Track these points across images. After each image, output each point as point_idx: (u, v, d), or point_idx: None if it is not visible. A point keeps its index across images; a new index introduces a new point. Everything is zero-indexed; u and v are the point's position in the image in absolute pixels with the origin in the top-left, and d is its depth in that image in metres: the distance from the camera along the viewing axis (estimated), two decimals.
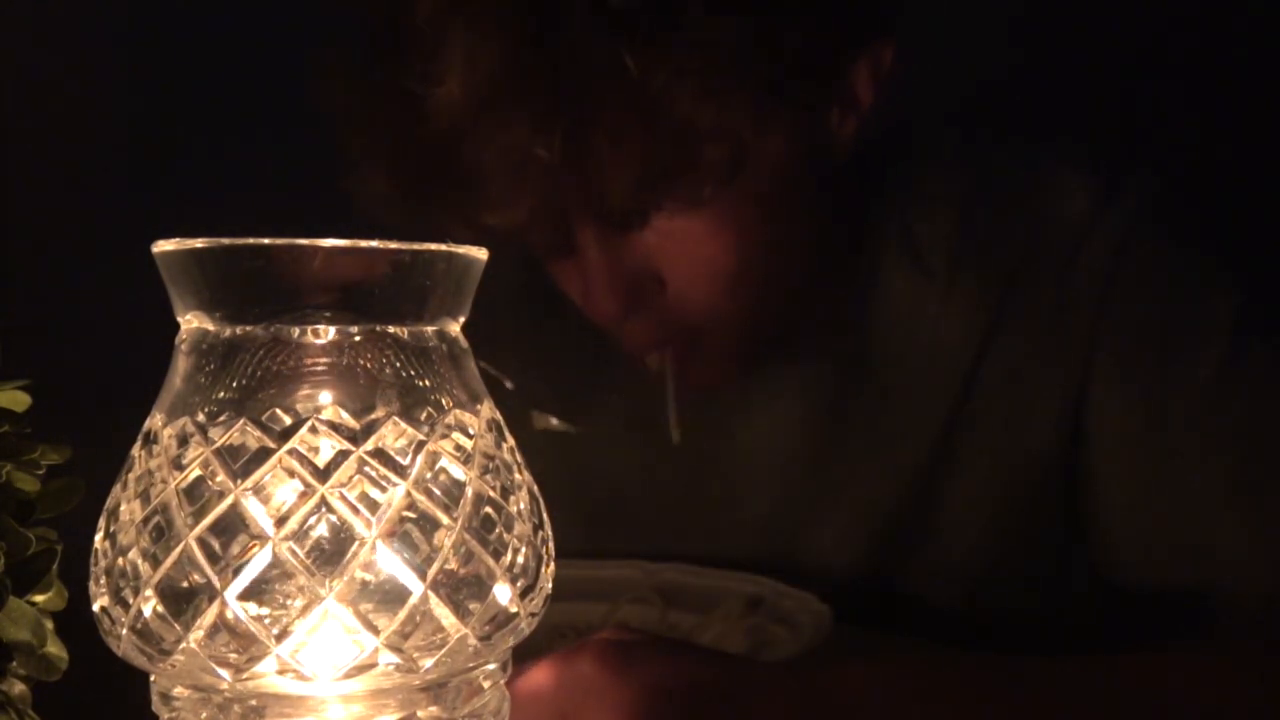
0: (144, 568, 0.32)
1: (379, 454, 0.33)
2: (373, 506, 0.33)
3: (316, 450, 0.33)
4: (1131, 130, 0.99)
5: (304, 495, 0.32)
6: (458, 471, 0.34)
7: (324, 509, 0.32)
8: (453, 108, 0.60)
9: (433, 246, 0.34)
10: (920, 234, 0.75)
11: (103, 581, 0.33)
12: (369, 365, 0.34)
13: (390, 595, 0.33)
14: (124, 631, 0.33)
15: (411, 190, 0.66)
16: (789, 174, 0.66)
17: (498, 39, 0.58)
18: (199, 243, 0.32)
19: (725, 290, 0.67)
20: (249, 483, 0.32)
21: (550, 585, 0.37)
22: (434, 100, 0.60)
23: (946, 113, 0.82)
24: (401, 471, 0.33)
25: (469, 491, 0.34)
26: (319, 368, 0.34)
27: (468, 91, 0.59)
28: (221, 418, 0.33)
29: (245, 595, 0.32)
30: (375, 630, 0.32)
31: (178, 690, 0.34)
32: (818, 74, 0.65)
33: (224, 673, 0.32)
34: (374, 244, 0.33)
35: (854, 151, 0.70)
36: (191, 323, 0.34)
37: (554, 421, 0.76)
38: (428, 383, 0.35)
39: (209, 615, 0.32)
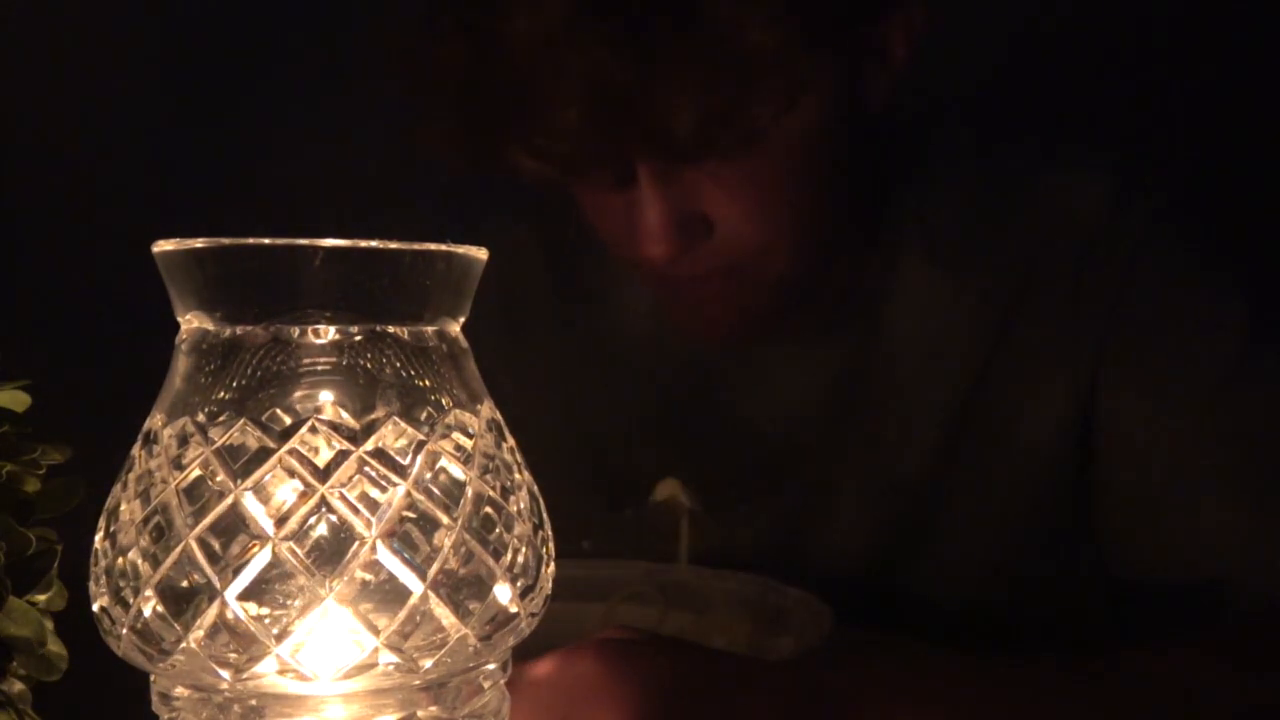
0: (144, 568, 0.32)
1: (379, 454, 0.33)
2: (373, 506, 0.33)
3: (316, 450, 0.33)
4: (1146, 132, 0.99)
5: (304, 495, 0.32)
6: (458, 471, 0.34)
7: (324, 509, 0.32)
8: (521, 39, 0.60)
9: (432, 247, 0.34)
10: (935, 228, 0.75)
11: (103, 581, 0.33)
12: (369, 365, 0.34)
13: (390, 595, 0.33)
14: (124, 631, 0.33)
15: (478, 125, 0.67)
16: (830, 124, 0.68)
17: None
18: (199, 243, 0.32)
19: (766, 236, 0.68)
20: (249, 483, 0.32)
21: (550, 585, 0.36)
22: (502, 33, 0.61)
23: (964, 111, 0.83)
24: (401, 471, 0.33)
25: (469, 491, 0.34)
26: (319, 368, 0.34)
27: (535, 22, 0.60)
28: (221, 418, 0.33)
29: (245, 595, 0.32)
30: (375, 630, 0.32)
31: (178, 690, 0.34)
32: (866, 14, 0.67)
33: (224, 673, 0.32)
34: (374, 244, 0.33)
35: (880, 134, 0.72)
36: (191, 323, 0.34)
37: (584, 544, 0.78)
38: (428, 383, 0.35)
39: (209, 615, 0.32)
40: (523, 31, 0.61)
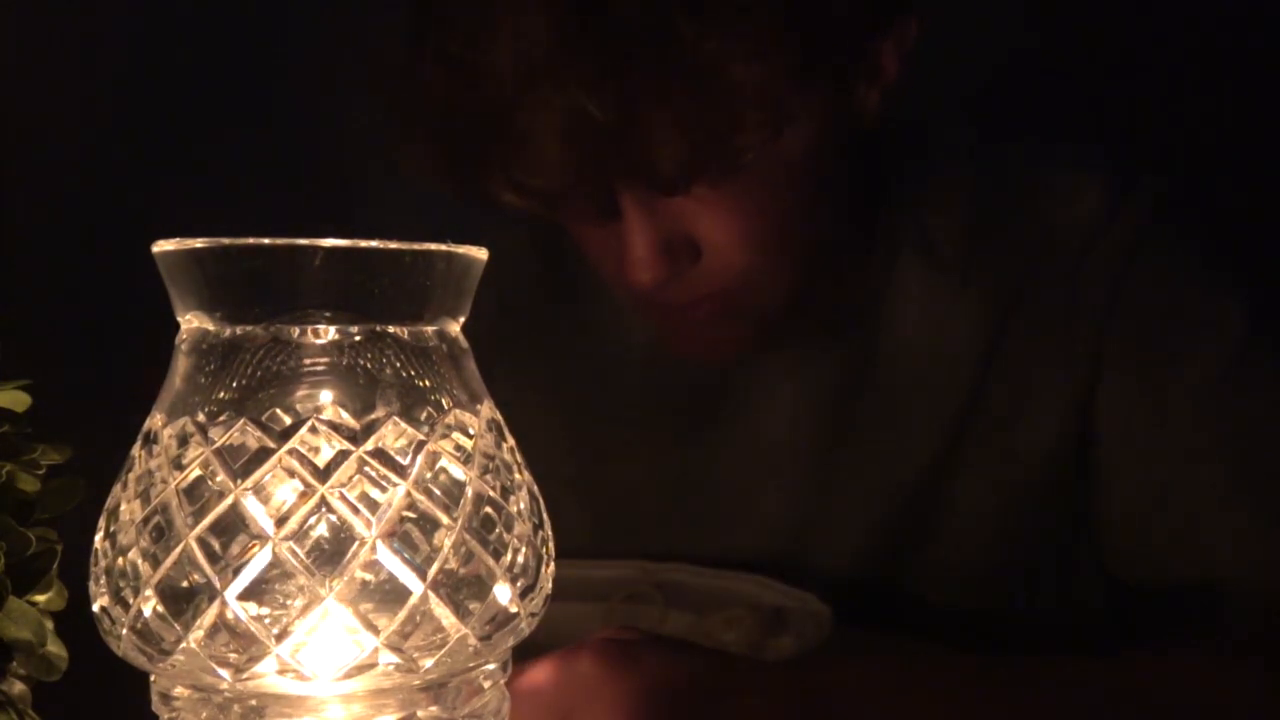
0: (144, 568, 0.32)
1: (379, 454, 0.33)
2: (373, 506, 0.33)
3: (316, 450, 0.33)
4: (1144, 132, 0.99)
5: (304, 495, 0.32)
6: (458, 471, 0.34)
7: (324, 509, 0.32)
8: (501, 73, 0.60)
9: (432, 246, 0.34)
10: (934, 229, 0.75)
11: (103, 581, 0.33)
12: (369, 365, 0.34)
13: (390, 595, 0.33)
14: (124, 631, 0.33)
15: (460, 156, 0.66)
16: (820, 144, 0.67)
17: (546, 5, 0.59)
18: (199, 243, 0.32)
19: (757, 259, 0.68)
20: (249, 483, 0.32)
21: (550, 585, 0.36)
22: (482, 66, 0.60)
23: (962, 112, 0.83)
24: (401, 471, 0.33)
25: (469, 491, 0.34)
26: (319, 368, 0.34)
27: (516, 57, 0.60)
28: (221, 418, 0.33)
29: (245, 595, 0.32)
30: (375, 630, 0.32)
31: (178, 690, 0.34)
32: (855, 41, 0.66)
33: (224, 673, 0.32)
34: (374, 244, 0.33)
35: (875, 136, 0.71)
36: (191, 323, 0.34)
37: None
38: (428, 383, 0.35)
39: (209, 615, 0.32)
40: (501, 65, 0.60)
